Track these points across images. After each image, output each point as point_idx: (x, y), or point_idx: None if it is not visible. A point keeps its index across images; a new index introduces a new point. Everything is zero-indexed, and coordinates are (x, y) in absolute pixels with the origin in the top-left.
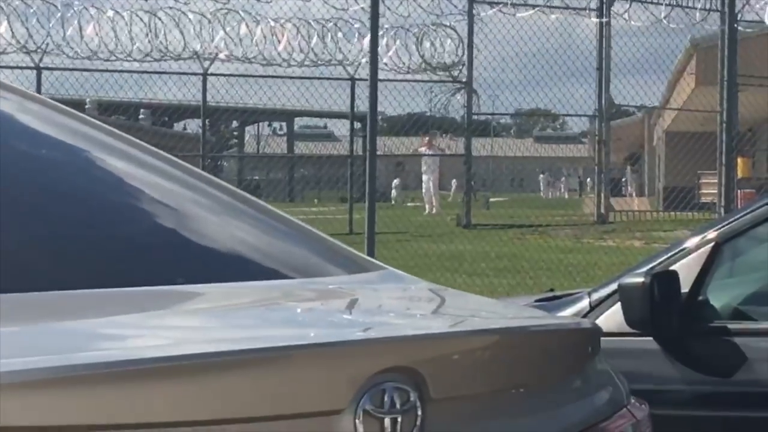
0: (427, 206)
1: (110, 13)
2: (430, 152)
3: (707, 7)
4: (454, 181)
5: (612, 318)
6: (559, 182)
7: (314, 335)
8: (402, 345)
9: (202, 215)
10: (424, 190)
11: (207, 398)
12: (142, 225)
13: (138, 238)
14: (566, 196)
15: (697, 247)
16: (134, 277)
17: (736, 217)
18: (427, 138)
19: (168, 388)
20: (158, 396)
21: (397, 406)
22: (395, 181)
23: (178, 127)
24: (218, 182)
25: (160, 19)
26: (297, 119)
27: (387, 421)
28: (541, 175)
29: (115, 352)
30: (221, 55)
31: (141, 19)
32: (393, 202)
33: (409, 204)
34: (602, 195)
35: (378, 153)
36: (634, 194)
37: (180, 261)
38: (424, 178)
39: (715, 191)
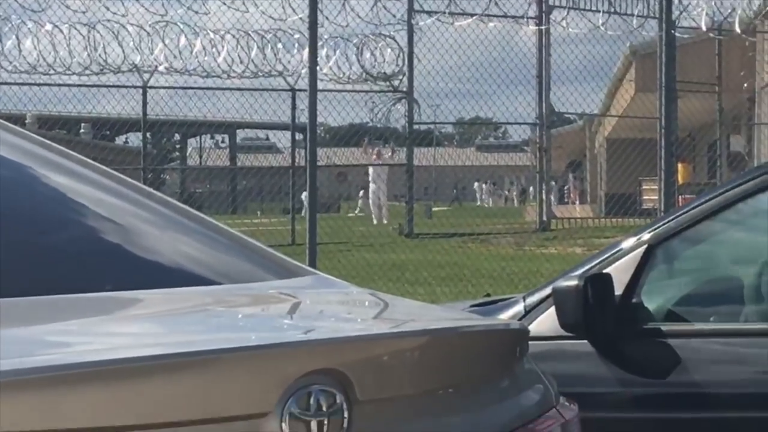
0: (374, 216)
1: (48, 26)
2: (379, 162)
3: (645, 13)
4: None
5: (547, 321)
6: (500, 191)
7: (240, 339)
8: (328, 347)
9: (136, 225)
10: (371, 200)
11: (130, 403)
12: (75, 235)
13: (70, 247)
14: (504, 204)
15: (631, 249)
16: (65, 284)
17: (668, 219)
18: (376, 149)
19: (90, 394)
20: (80, 401)
21: (324, 408)
22: (304, 194)
23: (119, 140)
24: (153, 193)
25: (98, 32)
26: (239, 131)
27: (313, 424)
28: (476, 183)
29: (35, 358)
30: (161, 68)
31: (79, 32)
32: (303, 214)
33: (350, 214)
34: (543, 203)
35: (319, 164)
36: (576, 201)
37: (112, 269)
38: (373, 187)
39: (656, 197)
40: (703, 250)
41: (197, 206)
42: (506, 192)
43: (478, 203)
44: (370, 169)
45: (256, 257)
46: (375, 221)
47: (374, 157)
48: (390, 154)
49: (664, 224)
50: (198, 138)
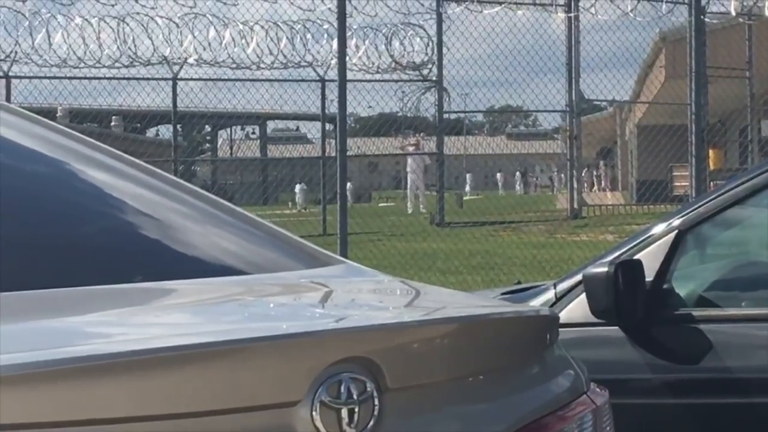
0: (410, 205)
1: (78, 20)
2: (415, 152)
3: None
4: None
5: (578, 308)
6: (531, 178)
7: (270, 328)
8: (357, 335)
9: (168, 217)
10: (409, 189)
11: (164, 392)
12: (108, 227)
13: (103, 239)
14: (534, 192)
15: (661, 235)
16: (99, 276)
17: (698, 204)
18: (413, 138)
19: (126, 383)
20: (117, 391)
21: (354, 396)
22: (298, 186)
23: (150, 133)
24: (184, 184)
25: (128, 24)
26: (269, 122)
27: (344, 412)
28: (498, 174)
29: (75, 348)
30: (190, 60)
31: (109, 26)
32: (297, 209)
33: (381, 204)
34: (575, 190)
35: (350, 154)
36: (607, 188)
37: (145, 260)
38: (412, 177)
39: (688, 183)
40: (733, 235)
41: (228, 197)
42: (536, 179)
43: (500, 192)
44: (409, 159)
45: (287, 247)
46: (410, 210)
47: (411, 147)
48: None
49: (693, 210)
50: (228, 130)
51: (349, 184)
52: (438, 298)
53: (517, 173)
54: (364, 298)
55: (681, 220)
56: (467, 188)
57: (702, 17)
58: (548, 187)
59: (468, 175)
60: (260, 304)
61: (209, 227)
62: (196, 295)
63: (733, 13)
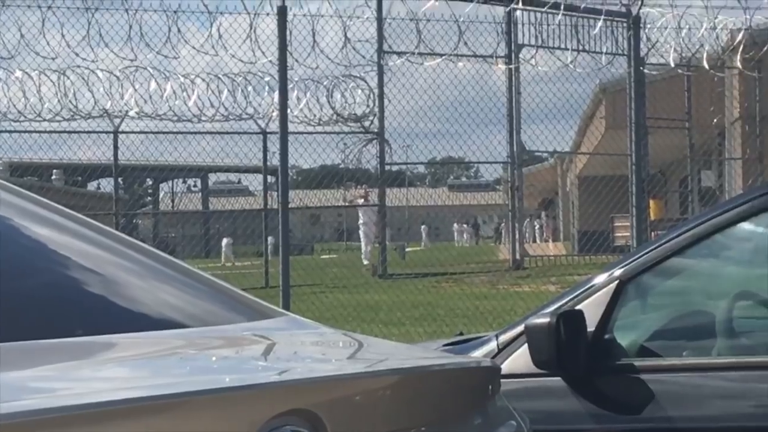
0: (364, 257)
1: (18, 73)
2: (366, 203)
3: (613, 51)
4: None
5: (520, 359)
6: (467, 229)
7: (212, 381)
8: (299, 388)
9: (109, 270)
10: (363, 242)
11: None
12: (48, 281)
13: (43, 293)
14: (476, 244)
15: (602, 285)
16: (38, 330)
17: (639, 254)
18: (362, 190)
19: None
20: None
21: None
22: (225, 240)
23: (91, 186)
24: (125, 238)
25: (68, 77)
26: (211, 175)
27: None
28: (455, 225)
29: (15, 403)
30: (131, 113)
31: (49, 79)
32: (222, 262)
33: (324, 256)
34: (517, 241)
35: (292, 206)
36: (549, 239)
37: (85, 314)
38: (364, 229)
39: (629, 234)
40: (674, 284)
41: (170, 250)
42: (480, 231)
43: (457, 244)
44: (360, 212)
45: (229, 300)
46: (366, 262)
47: (360, 200)
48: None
49: (634, 260)
50: (170, 182)
51: (270, 238)
52: (380, 350)
53: (462, 225)
54: (307, 350)
55: (622, 270)
56: (424, 238)
57: (641, 68)
58: (491, 238)
59: (423, 227)
60: (202, 358)
61: (150, 281)
62: (137, 349)
63: (672, 65)
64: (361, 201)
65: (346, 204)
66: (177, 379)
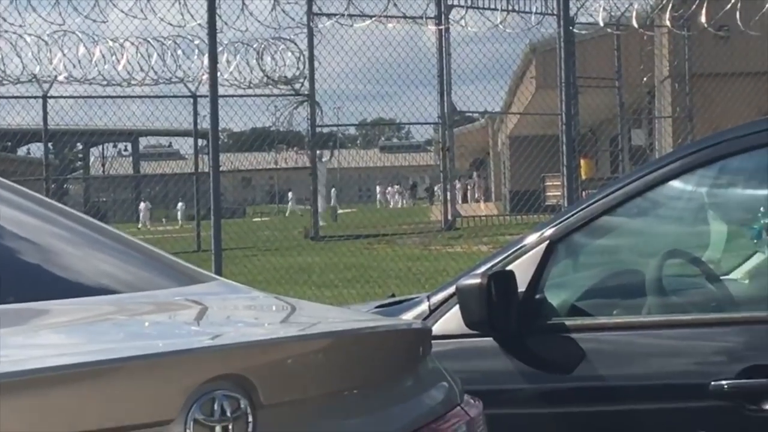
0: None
1: None
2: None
3: (543, 11)
4: (290, 193)
5: (452, 320)
6: (399, 190)
7: (143, 347)
8: (230, 353)
9: (38, 237)
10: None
11: (36, 413)
12: None
13: None
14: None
15: (533, 245)
16: None
17: (570, 214)
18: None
19: None
20: None
21: (228, 414)
22: (142, 205)
23: (21, 151)
24: (54, 204)
25: None
26: (141, 139)
27: (218, 430)
28: (378, 186)
29: None
30: (60, 77)
31: None
32: (140, 226)
33: (256, 219)
34: (448, 202)
35: (223, 169)
36: (481, 199)
37: (15, 280)
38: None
39: (560, 193)
40: (604, 244)
41: (101, 215)
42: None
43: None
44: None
45: (160, 265)
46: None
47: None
48: (329, 157)
49: (564, 220)
50: (100, 147)
51: (180, 204)
52: (311, 314)
53: (395, 186)
54: (238, 315)
55: (552, 230)
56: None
57: (571, 28)
58: (423, 199)
59: (333, 190)
60: (134, 323)
61: (82, 247)
62: (69, 315)
63: (602, 24)
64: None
65: (277, 167)
66: (109, 345)
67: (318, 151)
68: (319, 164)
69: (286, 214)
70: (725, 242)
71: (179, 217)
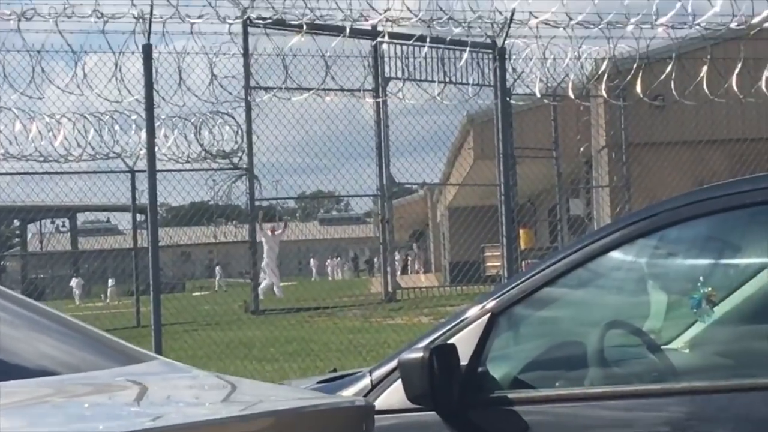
0: (277, 289)
1: None
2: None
3: (480, 82)
4: (217, 268)
5: (394, 394)
6: (340, 262)
7: (85, 429)
8: None
9: None
10: (269, 277)
11: None
12: None
13: None
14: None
15: (475, 318)
16: None
17: (511, 286)
18: (271, 225)
19: None
20: None
21: None
22: (74, 281)
23: None
24: None
25: None
26: (80, 214)
27: None
28: (312, 260)
29: None
30: None
31: None
32: (78, 302)
33: (196, 293)
34: (389, 273)
35: (162, 244)
36: (421, 271)
37: None
38: (267, 260)
39: (500, 263)
40: (546, 315)
41: (39, 293)
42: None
43: (313, 278)
44: (265, 246)
45: (99, 345)
46: (277, 294)
47: (269, 232)
48: (281, 230)
49: (506, 292)
50: (38, 223)
51: (111, 280)
52: (253, 392)
53: (335, 258)
54: (179, 395)
55: (494, 302)
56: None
57: (508, 99)
58: (364, 271)
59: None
60: (73, 405)
61: (19, 329)
62: (8, 398)
63: (538, 95)
64: (270, 233)
65: (216, 241)
66: (49, 428)
67: (271, 224)
68: (272, 237)
69: (215, 289)
70: (666, 312)
71: (109, 294)
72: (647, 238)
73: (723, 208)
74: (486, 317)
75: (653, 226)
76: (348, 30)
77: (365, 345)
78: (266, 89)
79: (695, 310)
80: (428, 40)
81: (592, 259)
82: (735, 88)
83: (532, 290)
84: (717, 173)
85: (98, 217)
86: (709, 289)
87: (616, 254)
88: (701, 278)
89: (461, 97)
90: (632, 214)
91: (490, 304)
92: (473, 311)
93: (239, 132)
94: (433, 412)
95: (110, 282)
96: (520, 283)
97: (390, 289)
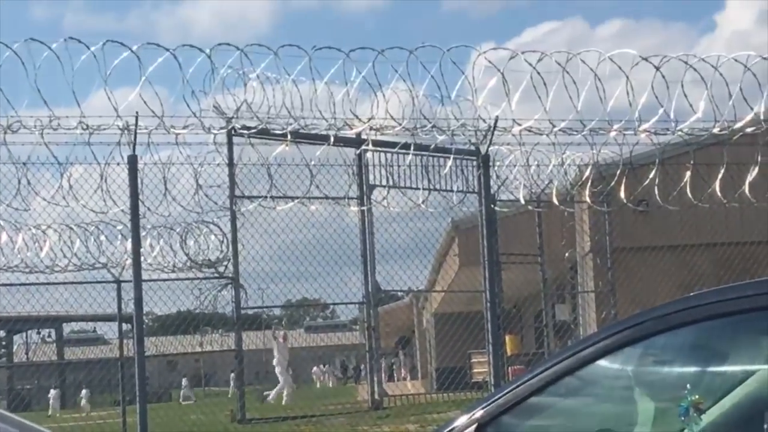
0: (286, 394)
1: None
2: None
3: (464, 189)
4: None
5: None
6: (328, 370)
7: None
8: None
9: None
10: (282, 381)
11: None
12: None
13: None
14: (337, 384)
15: (463, 428)
16: None
17: (498, 395)
18: (282, 332)
19: None
20: None
21: None
22: (52, 392)
23: None
24: None
25: None
26: (65, 325)
27: None
28: (315, 368)
29: None
30: None
31: None
32: (50, 413)
33: (183, 402)
34: (375, 381)
35: (148, 353)
36: (407, 377)
37: None
38: (279, 368)
39: (486, 370)
40: (533, 424)
41: (25, 404)
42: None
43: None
44: (275, 351)
45: None
46: (285, 401)
47: (281, 339)
48: (282, 337)
49: (494, 401)
50: (24, 334)
51: (84, 391)
52: None
53: (321, 366)
54: None
55: (482, 412)
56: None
57: (492, 206)
58: (351, 378)
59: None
60: None
61: None
62: None
63: (523, 201)
64: (281, 341)
65: (203, 350)
66: None
67: (278, 331)
68: (283, 344)
69: (180, 401)
70: (653, 420)
71: (83, 403)
72: (634, 346)
73: (709, 315)
74: (473, 427)
75: (640, 334)
76: (332, 138)
77: None
78: (251, 198)
79: (683, 418)
80: (412, 147)
81: (579, 367)
82: (719, 193)
83: (520, 399)
84: (702, 277)
85: (84, 326)
86: (697, 396)
87: (603, 362)
88: (688, 386)
89: (446, 204)
90: (619, 322)
91: (478, 413)
92: (461, 420)
93: (224, 241)
94: None
95: (84, 392)
96: (508, 392)
97: (377, 396)
